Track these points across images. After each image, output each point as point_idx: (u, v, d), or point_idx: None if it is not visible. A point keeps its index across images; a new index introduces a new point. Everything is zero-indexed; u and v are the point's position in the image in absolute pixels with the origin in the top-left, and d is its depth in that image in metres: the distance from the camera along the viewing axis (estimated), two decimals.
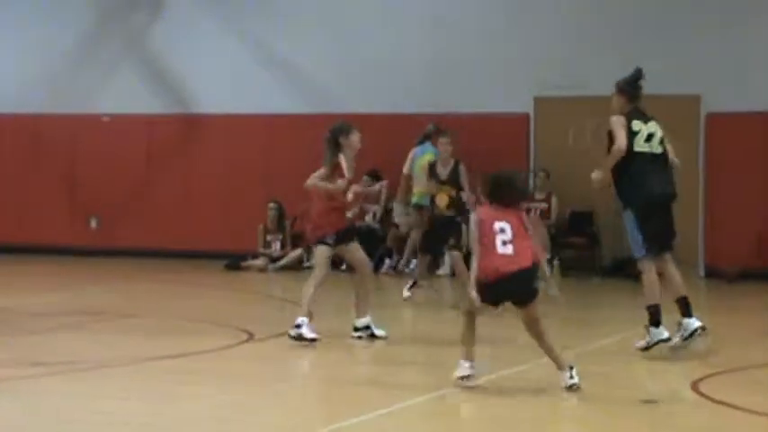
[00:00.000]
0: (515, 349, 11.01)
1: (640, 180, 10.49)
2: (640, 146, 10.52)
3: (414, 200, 16.45)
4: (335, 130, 11.58)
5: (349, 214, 11.94)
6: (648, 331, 10.59)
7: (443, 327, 12.93)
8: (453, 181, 13.94)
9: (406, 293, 14.64)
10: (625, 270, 17.16)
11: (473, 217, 9.36)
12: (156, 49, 20.68)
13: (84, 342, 11.80)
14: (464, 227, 13.46)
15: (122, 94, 20.41)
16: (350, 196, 11.59)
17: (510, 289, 9.10)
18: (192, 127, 20.29)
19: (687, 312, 10.58)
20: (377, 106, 18.97)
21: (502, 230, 9.01)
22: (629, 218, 10.56)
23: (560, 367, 9.29)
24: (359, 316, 11.66)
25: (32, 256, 19.17)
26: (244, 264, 18.72)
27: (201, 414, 8.49)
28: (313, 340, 11.10)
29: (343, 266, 13.26)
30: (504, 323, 10.98)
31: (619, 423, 8.38)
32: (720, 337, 12.55)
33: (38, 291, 15.57)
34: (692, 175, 17.69)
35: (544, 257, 9.72)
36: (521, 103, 18.60)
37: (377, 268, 17.95)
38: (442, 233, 13.89)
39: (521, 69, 18.65)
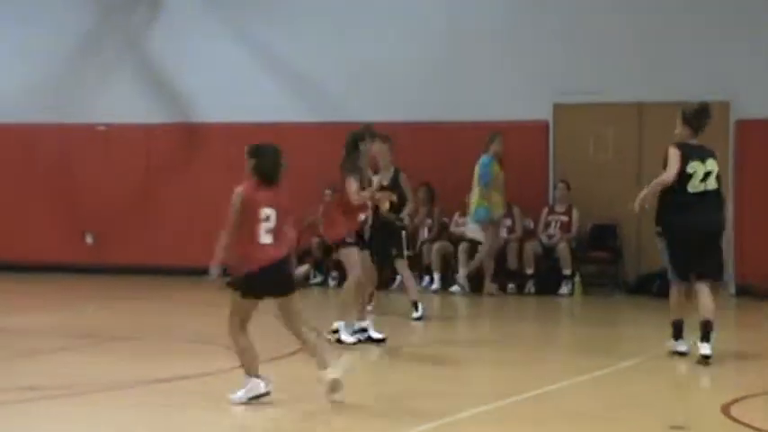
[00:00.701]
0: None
1: (683, 213, 11.36)
2: (694, 186, 11.37)
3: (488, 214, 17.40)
4: (356, 134, 12.52)
5: (362, 216, 12.61)
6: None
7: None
8: (393, 188, 14.02)
9: None
10: (649, 286, 17.18)
11: (237, 195, 9.39)
12: (154, 55, 20.66)
13: (81, 365, 11.78)
14: (404, 233, 14.30)
15: (119, 103, 20.36)
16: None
17: (273, 280, 9.10)
18: (192, 136, 20.26)
19: (704, 337, 11.34)
20: (390, 115, 18.90)
21: (267, 218, 9.13)
22: (661, 245, 11.62)
23: (320, 366, 9.35)
24: (360, 317, 12.50)
25: (26, 274, 19.13)
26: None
27: None
28: (354, 344, 12.15)
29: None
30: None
31: None
32: (752, 357, 12.51)
33: (33, 310, 15.54)
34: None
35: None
36: (540, 111, 18.54)
37: (386, 285, 17.94)
38: (384, 241, 13.88)
39: (540, 76, 18.60)
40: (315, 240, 18.69)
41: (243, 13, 20.14)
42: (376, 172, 13.62)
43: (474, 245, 17.78)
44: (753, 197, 17.67)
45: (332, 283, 18.32)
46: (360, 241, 12.50)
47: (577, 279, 17.48)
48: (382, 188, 13.75)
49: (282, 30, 19.89)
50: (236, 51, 20.13)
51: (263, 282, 9.16)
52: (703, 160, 11.38)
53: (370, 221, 12.83)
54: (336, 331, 12.27)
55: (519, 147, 18.16)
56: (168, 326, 14.60)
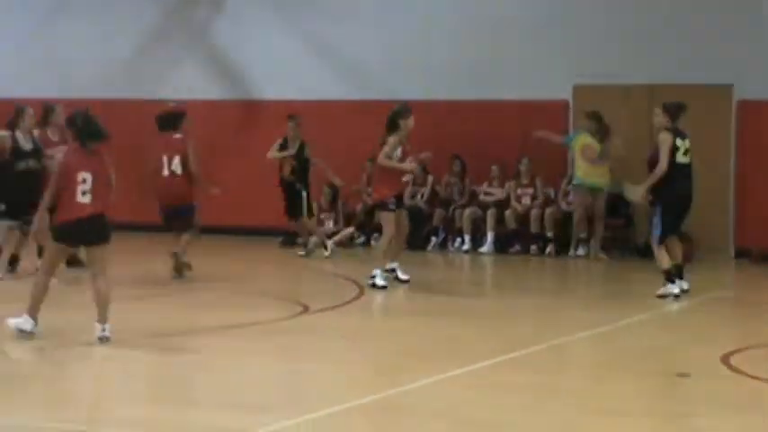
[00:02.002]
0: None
1: (672, 184, 12.60)
2: (679, 159, 12.68)
3: (575, 180, 17.59)
4: (396, 113, 13.55)
5: (405, 178, 14.13)
6: (665, 285, 12.71)
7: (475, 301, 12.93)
8: (299, 156, 17.18)
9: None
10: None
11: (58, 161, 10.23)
12: (218, 40, 20.73)
13: (151, 313, 11.86)
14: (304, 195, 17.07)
15: (186, 82, 20.46)
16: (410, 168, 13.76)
17: (86, 231, 9.58)
18: (251, 112, 20.32)
19: (682, 276, 12.89)
20: (427, 93, 18.90)
21: (84, 181, 9.51)
22: (657, 210, 12.72)
23: (100, 320, 9.58)
24: (391, 259, 13.52)
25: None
26: (299, 240, 18.75)
27: (265, 382, 8.51)
28: (384, 287, 13.04)
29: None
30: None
31: (654, 396, 8.33)
32: (748, 313, 12.49)
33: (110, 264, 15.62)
34: (723, 162, 17.57)
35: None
36: (560, 91, 18.46)
37: (424, 246, 17.99)
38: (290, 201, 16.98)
39: (560, 57, 18.52)
40: (358, 206, 18.77)
41: (292, 2, 20.17)
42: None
43: (500, 210, 17.88)
44: (753, 172, 17.57)
45: (374, 243, 18.34)
46: (399, 203, 13.58)
47: (593, 242, 17.45)
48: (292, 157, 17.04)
49: (331, 16, 19.86)
50: (289, 36, 20.13)
51: (78, 232, 9.62)
52: (683, 139, 12.77)
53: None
54: (373, 277, 13.16)
55: (542, 124, 18.11)
56: (229, 279, 14.66)
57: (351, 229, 18.79)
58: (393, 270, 13.53)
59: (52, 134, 14.12)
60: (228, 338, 10.34)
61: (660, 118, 12.89)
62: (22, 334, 9.66)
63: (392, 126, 13.48)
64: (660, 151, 12.65)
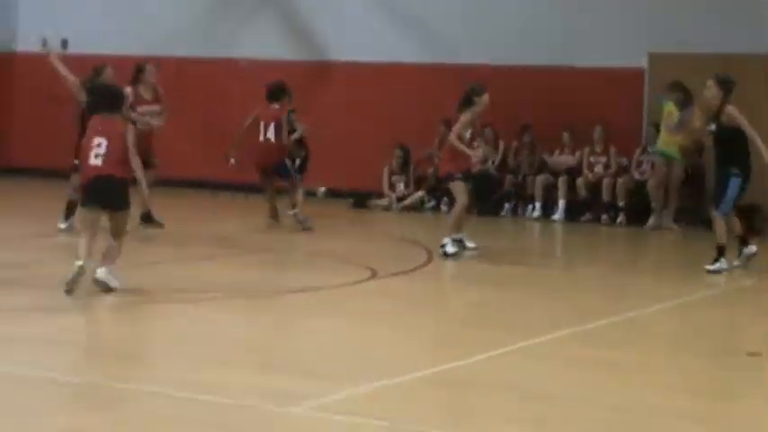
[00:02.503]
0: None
1: (748, 156, 12.59)
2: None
3: (650, 148, 17.61)
4: (471, 89, 13.37)
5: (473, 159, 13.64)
6: (718, 260, 12.58)
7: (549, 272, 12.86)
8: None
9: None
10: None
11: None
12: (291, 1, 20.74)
13: (219, 272, 11.94)
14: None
15: (259, 42, 20.50)
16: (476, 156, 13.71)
17: (96, 192, 9.96)
18: (323, 73, 20.30)
19: (748, 243, 12.99)
20: (497, 58, 18.79)
21: (98, 145, 9.90)
22: (734, 183, 12.54)
23: (104, 263, 9.84)
24: (457, 232, 13.36)
25: (174, 190, 19.32)
26: (369, 203, 18.79)
27: (332, 348, 8.53)
28: (454, 254, 12.96)
29: None
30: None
31: (726, 376, 8.22)
32: None
33: (179, 222, 15.77)
34: None
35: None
36: (635, 58, 18.23)
37: (496, 212, 17.91)
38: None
39: (636, 24, 18.29)
40: (429, 170, 18.70)
41: None
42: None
43: (572, 177, 17.79)
44: None
45: (443, 208, 18.31)
46: (467, 175, 13.39)
47: (665, 213, 17.27)
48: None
49: None
50: None
51: (89, 193, 10.06)
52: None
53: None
54: (444, 245, 13.06)
55: (617, 92, 17.95)
56: (297, 241, 14.73)
57: (421, 193, 18.78)
58: (460, 240, 13.41)
59: (144, 92, 14.54)
60: (296, 302, 10.39)
61: (714, 90, 12.67)
62: (107, 288, 9.79)
63: (467, 103, 13.33)
64: (740, 122, 12.49)
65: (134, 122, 13.18)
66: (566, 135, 18.18)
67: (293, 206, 15.29)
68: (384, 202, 18.78)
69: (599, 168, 17.91)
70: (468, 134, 13.38)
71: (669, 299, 11.10)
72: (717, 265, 12.53)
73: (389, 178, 19.03)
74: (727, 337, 9.54)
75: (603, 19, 18.48)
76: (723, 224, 12.57)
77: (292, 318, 9.74)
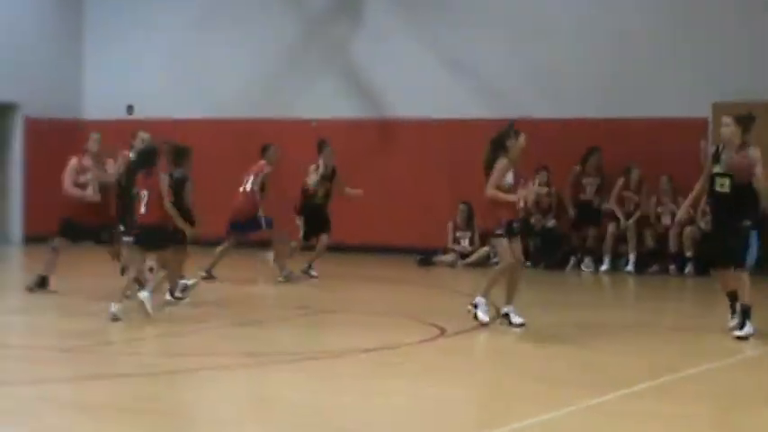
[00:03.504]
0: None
1: (759, 202, 11.37)
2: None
3: None
4: (502, 134, 12.02)
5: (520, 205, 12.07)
6: (746, 324, 11.33)
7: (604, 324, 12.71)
8: (330, 179, 16.54)
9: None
10: None
11: None
12: (356, 57, 20.90)
13: (290, 334, 11.98)
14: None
15: (324, 100, 20.69)
16: (521, 202, 12.05)
17: (144, 237, 12.38)
18: (387, 131, 20.42)
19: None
20: (559, 111, 18.82)
21: (143, 197, 12.33)
22: (754, 234, 11.34)
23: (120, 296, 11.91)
24: (506, 302, 11.95)
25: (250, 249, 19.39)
26: (435, 259, 18.78)
27: (409, 408, 8.50)
28: (485, 324, 11.75)
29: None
30: None
31: None
32: None
33: (247, 283, 15.85)
34: None
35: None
36: (699, 109, 18.16)
37: (562, 266, 17.89)
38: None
39: (699, 75, 18.23)
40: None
41: (434, 18, 20.23)
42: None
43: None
44: None
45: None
46: (509, 231, 11.81)
47: None
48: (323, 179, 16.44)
49: (467, 35, 19.91)
50: (425, 54, 20.21)
51: (139, 237, 12.43)
52: None
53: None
54: (476, 306, 11.87)
55: (680, 142, 17.86)
56: (366, 300, 14.73)
57: (486, 249, 18.73)
58: (506, 315, 11.95)
59: (85, 159, 14.33)
60: (367, 362, 10.37)
61: (733, 128, 11.49)
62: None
63: (499, 148, 11.93)
64: (757, 165, 11.30)
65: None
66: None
67: (274, 257, 15.75)
68: (449, 257, 18.76)
69: (666, 219, 17.82)
70: (510, 179, 11.91)
71: (741, 351, 10.94)
72: (747, 330, 11.37)
73: (454, 234, 19.03)
74: None
75: (668, 71, 18.45)
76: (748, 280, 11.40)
77: (365, 378, 9.71)
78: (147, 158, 12.57)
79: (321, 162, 16.54)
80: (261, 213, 15.90)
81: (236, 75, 21.52)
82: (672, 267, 17.50)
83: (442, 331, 11.78)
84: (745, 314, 11.34)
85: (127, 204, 13.28)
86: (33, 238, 13.66)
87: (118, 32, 22.55)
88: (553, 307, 13.53)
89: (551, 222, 18.53)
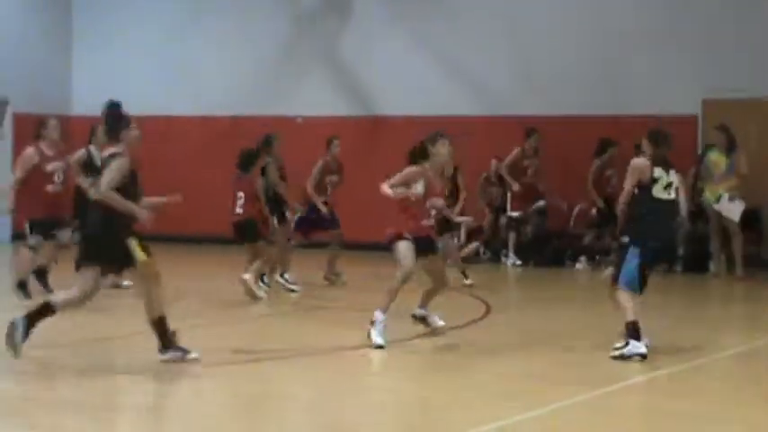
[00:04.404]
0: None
1: (650, 222, 10.38)
2: (658, 192, 10.44)
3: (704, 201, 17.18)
4: (427, 139, 11.05)
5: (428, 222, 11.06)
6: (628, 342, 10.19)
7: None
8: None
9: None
10: None
11: None
12: (345, 55, 20.96)
13: (283, 330, 12.02)
14: None
15: (313, 98, 20.74)
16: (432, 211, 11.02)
17: (238, 233, 14.15)
18: (375, 128, 20.48)
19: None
20: (550, 109, 18.91)
21: (240, 198, 13.99)
22: (634, 252, 10.33)
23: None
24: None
25: (220, 245, 19.42)
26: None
27: (397, 405, 8.54)
28: (380, 347, 10.58)
29: None
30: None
31: None
32: None
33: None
34: None
35: None
36: (689, 105, 18.24)
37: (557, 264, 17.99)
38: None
39: (689, 72, 18.33)
40: (485, 219, 18.89)
41: (421, 19, 20.29)
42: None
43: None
44: None
45: (503, 258, 18.49)
46: (425, 245, 10.90)
47: (723, 259, 17.19)
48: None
49: (456, 33, 19.99)
50: (414, 53, 20.28)
51: (233, 232, 14.06)
52: (667, 171, 10.55)
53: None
54: (372, 323, 10.72)
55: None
56: (355, 297, 14.76)
57: (476, 244, 18.80)
58: (423, 318, 11.26)
59: (47, 148, 13.33)
60: (356, 359, 10.41)
61: (644, 146, 10.70)
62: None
63: (421, 154, 10.95)
64: (627, 178, 10.65)
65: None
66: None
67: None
68: None
69: None
70: (420, 188, 10.88)
71: (729, 348, 11.02)
72: (627, 349, 10.16)
73: None
74: None
75: (657, 66, 18.54)
76: (627, 296, 10.36)
77: (351, 375, 9.76)
78: (248, 161, 14.22)
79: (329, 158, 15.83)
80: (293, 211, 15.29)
81: (225, 72, 21.58)
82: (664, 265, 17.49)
83: (426, 329, 11.80)
84: (628, 333, 10.22)
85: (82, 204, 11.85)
86: (23, 236, 13.49)
87: (107, 29, 22.58)
88: (541, 304, 13.57)
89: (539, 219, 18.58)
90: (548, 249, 18.45)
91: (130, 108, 9.80)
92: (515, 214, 18.54)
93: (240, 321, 12.54)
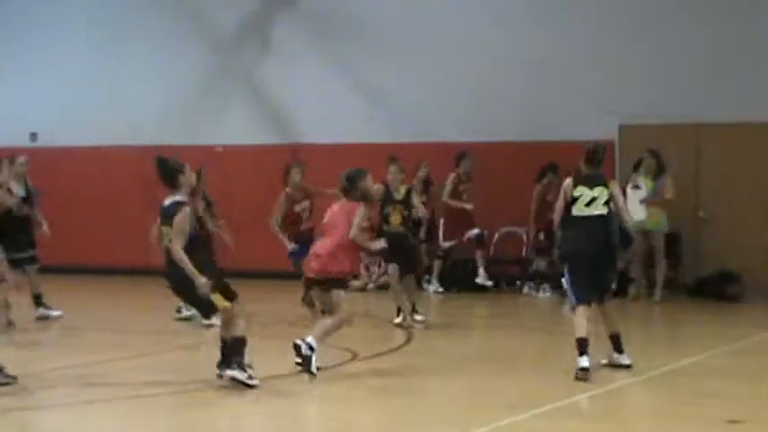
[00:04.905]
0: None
1: (573, 239, 10.75)
2: (579, 210, 10.69)
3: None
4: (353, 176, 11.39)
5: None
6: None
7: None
8: (407, 203, 14.53)
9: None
10: (706, 290, 17.20)
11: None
12: (265, 83, 20.99)
13: (199, 363, 11.97)
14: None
15: (234, 127, 20.75)
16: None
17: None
18: (297, 156, 20.47)
19: (618, 348, 11.07)
20: (472, 135, 19.11)
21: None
22: (565, 269, 10.95)
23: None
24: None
25: (145, 277, 19.31)
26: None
27: None
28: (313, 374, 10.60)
29: None
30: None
31: None
32: None
33: (153, 310, 15.80)
34: None
35: None
36: (606, 131, 18.51)
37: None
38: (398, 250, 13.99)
39: (606, 98, 18.64)
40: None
41: (340, 45, 20.40)
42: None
43: None
44: None
45: (425, 285, 18.48)
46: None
47: (643, 282, 17.44)
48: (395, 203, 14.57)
49: (377, 60, 20.08)
50: (334, 80, 20.36)
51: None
52: (591, 187, 10.79)
53: None
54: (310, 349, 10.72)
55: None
56: (277, 325, 14.73)
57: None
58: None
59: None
60: (276, 387, 10.41)
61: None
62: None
63: (352, 188, 11.32)
64: (557, 197, 11.08)
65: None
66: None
67: None
68: (358, 282, 18.68)
69: None
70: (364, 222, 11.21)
71: (649, 370, 11.18)
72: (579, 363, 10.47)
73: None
74: (709, 405, 9.62)
75: (573, 93, 18.85)
76: (577, 317, 10.70)
77: (275, 402, 9.77)
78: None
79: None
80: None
81: (144, 101, 21.46)
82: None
83: (354, 355, 11.87)
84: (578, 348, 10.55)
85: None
86: None
87: (20, 57, 22.36)
88: (456, 329, 13.60)
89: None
90: (500, 276, 18.49)
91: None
92: (447, 244, 18.40)
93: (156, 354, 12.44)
